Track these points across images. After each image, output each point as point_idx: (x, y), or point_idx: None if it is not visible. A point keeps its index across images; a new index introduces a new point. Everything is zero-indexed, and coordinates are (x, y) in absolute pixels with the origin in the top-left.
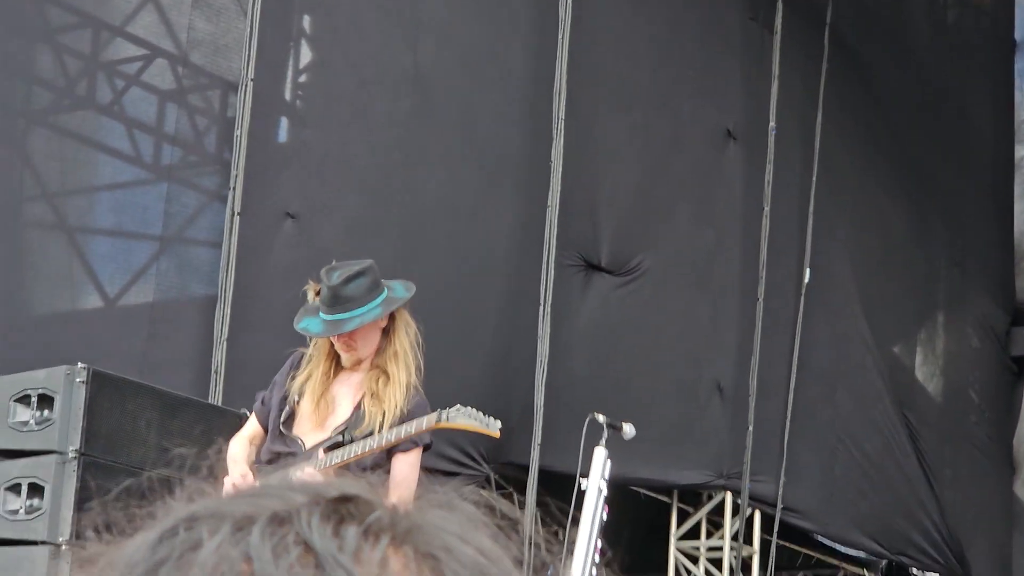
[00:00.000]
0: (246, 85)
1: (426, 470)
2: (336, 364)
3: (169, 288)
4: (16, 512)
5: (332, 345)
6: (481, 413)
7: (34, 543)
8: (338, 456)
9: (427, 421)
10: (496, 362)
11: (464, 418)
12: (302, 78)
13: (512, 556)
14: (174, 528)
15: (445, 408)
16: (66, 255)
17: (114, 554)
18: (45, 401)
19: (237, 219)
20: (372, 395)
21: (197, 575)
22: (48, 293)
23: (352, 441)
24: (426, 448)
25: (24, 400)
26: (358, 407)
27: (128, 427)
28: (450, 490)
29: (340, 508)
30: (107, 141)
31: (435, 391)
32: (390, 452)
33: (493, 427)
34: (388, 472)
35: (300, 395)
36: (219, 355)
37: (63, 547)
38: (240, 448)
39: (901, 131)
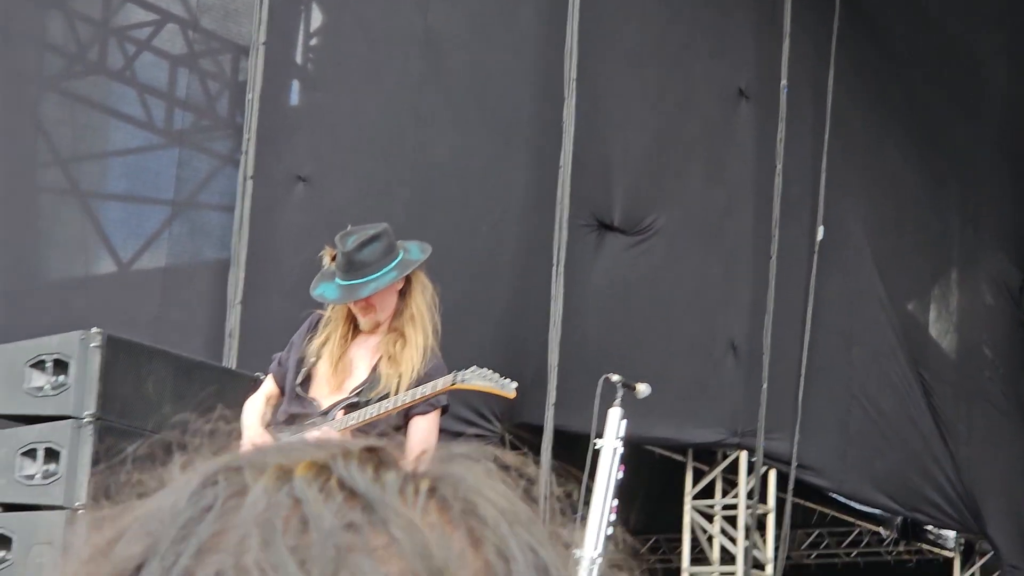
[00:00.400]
0: (257, 49)
1: (439, 430)
2: (354, 327)
3: (182, 252)
4: (32, 477)
5: (350, 308)
6: (497, 374)
7: (51, 508)
8: (354, 418)
9: (442, 383)
10: (509, 322)
11: (479, 379)
12: (313, 41)
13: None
14: (214, 476)
15: (460, 370)
16: (79, 220)
17: (146, 508)
18: (60, 366)
19: (250, 183)
20: (389, 357)
21: (246, 517)
22: (62, 258)
23: (368, 403)
24: (444, 410)
25: (39, 365)
26: (375, 369)
27: (143, 391)
28: (466, 446)
29: (373, 457)
30: (119, 107)
31: (449, 352)
32: (408, 414)
33: (508, 388)
34: (405, 435)
35: (317, 357)
36: (233, 318)
37: (80, 511)
38: (256, 408)
39: (913, 88)
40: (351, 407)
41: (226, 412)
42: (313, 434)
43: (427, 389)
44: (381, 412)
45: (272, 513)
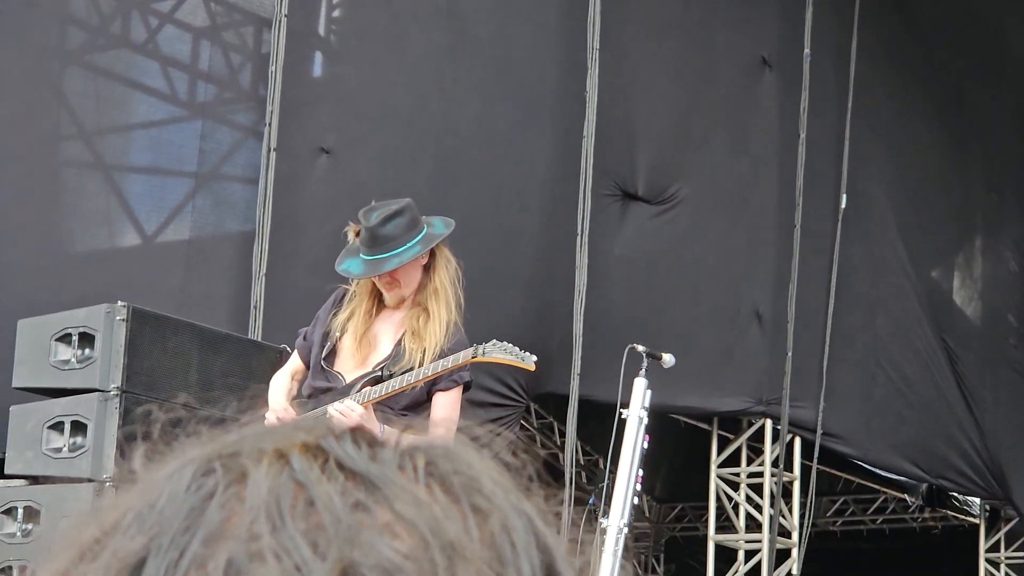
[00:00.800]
0: (280, 21)
1: (467, 402)
2: (378, 302)
3: (205, 225)
4: (60, 450)
5: (374, 284)
6: (516, 348)
7: (78, 480)
8: (377, 391)
9: (463, 356)
10: (534, 293)
11: (500, 352)
12: (335, 13)
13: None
14: (210, 463)
15: (481, 343)
16: (103, 193)
17: (137, 499)
18: (86, 339)
19: (273, 155)
20: (412, 332)
21: (252, 503)
22: (86, 232)
23: (391, 376)
24: (466, 387)
25: (65, 339)
26: (399, 344)
27: (169, 364)
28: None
29: (364, 437)
30: (142, 80)
31: (474, 323)
32: (430, 390)
33: (528, 361)
34: (428, 411)
35: (342, 332)
36: (258, 290)
37: (107, 484)
38: (281, 383)
39: (936, 54)
40: (374, 381)
41: (189, 399)
42: (336, 407)
43: (448, 362)
44: (403, 385)
45: (278, 497)
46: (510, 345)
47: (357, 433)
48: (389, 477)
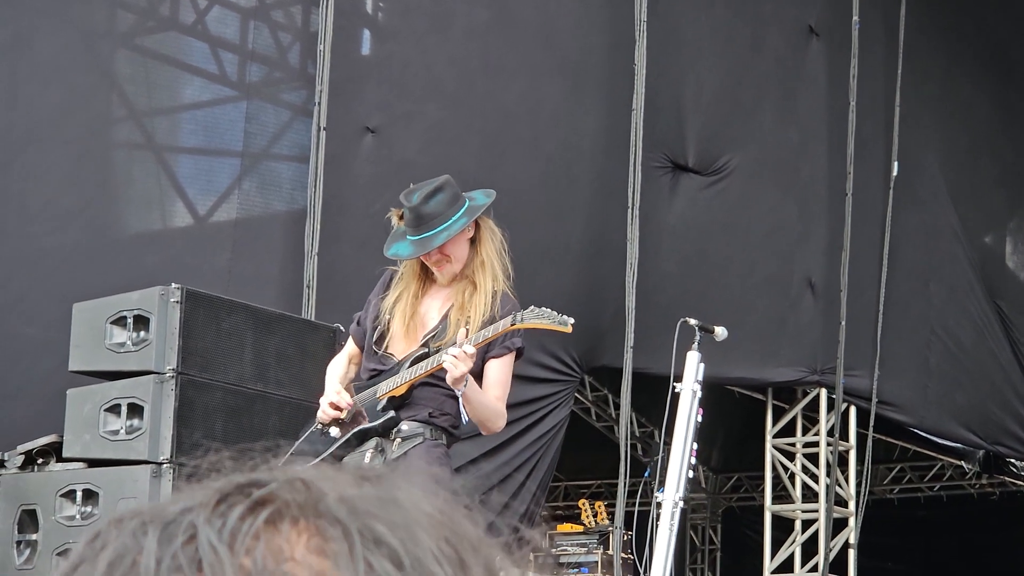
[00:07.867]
0: None
1: (522, 378)
2: (425, 284)
3: (253, 205)
4: (117, 432)
5: (422, 266)
6: (554, 312)
7: (136, 463)
8: (422, 367)
9: (502, 324)
10: (585, 267)
11: (536, 318)
12: None
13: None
14: (97, 534)
15: (519, 311)
16: (154, 175)
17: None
18: (141, 322)
19: (323, 134)
20: (459, 306)
21: (102, 567)
22: (137, 213)
23: (438, 351)
24: (519, 353)
25: (120, 322)
26: (445, 318)
27: (223, 344)
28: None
29: (242, 491)
30: (192, 61)
31: (526, 299)
32: (484, 358)
33: (565, 324)
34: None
35: (391, 315)
36: (310, 269)
37: (164, 465)
38: (338, 368)
39: (985, 18)
40: (421, 357)
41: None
42: (383, 387)
43: (488, 332)
44: (443, 361)
45: (118, 561)
46: (547, 310)
47: (234, 488)
48: (211, 541)
